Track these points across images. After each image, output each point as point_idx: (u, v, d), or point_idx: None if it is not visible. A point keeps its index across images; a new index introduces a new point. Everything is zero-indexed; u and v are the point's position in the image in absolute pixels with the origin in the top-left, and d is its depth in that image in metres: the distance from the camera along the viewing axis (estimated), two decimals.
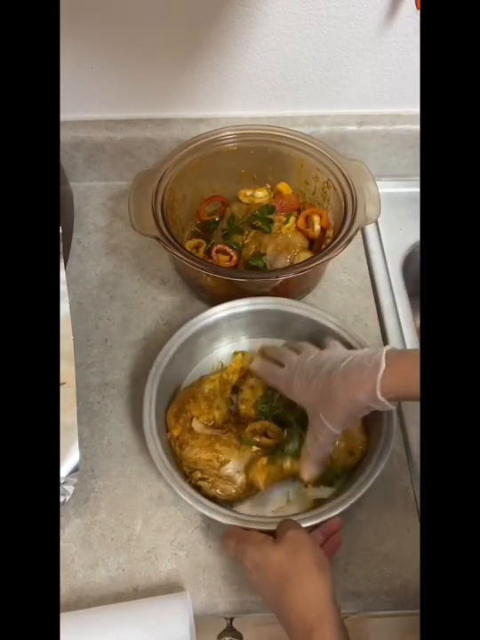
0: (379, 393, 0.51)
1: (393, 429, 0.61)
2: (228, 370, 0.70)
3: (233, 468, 0.60)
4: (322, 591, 0.48)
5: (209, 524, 0.62)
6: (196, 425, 0.63)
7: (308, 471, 0.58)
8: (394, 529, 0.62)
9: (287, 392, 0.61)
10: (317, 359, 0.59)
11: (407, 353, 0.55)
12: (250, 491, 0.62)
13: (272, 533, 0.54)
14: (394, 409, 0.54)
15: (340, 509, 0.57)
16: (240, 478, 0.60)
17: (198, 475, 0.61)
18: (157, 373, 0.65)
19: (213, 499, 0.60)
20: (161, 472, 0.58)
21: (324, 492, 0.63)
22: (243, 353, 0.72)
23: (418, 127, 0.86)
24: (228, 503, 0.61)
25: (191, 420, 0.63)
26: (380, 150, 0.90)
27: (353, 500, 0.57)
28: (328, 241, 0.74)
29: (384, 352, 0.52)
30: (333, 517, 0.57)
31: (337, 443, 0.60)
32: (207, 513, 0.57)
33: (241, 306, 0.70)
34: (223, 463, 0.61)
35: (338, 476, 0.63)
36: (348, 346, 0.65)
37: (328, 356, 0.59)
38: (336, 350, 0.61)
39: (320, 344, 0.65)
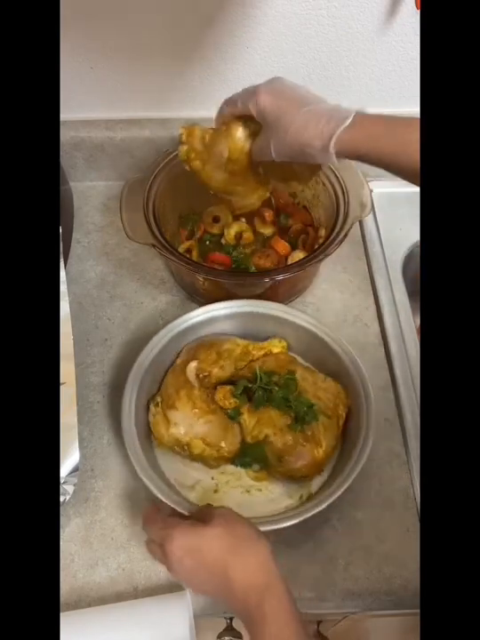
0: (332, 145, 0.54)
1: (371, 423, 0.60)
2: (257, 345, 0.69)
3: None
4: (264, 554, 0.48)
5: None
6: (190, 370, 0.64)
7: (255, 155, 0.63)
8: (394, 529, 0.62)
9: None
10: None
11: (375, 118, 0.55)
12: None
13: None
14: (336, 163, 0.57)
15: (331, 500, 0.56)
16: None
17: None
18: (139, 374, 0.65)
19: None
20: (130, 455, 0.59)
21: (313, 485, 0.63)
22: (279, 339, 0.70)
23: None
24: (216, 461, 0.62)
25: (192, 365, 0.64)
26: None
27: (341, 491, 0.56)
28: (320, 240, 0.74)
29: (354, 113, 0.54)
30: (321, 508, 0.56)
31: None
32: (160, 495, 0.57)
33: (221, 309, 0.70)
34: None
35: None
36: (335, 353, 0.67)
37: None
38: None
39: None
